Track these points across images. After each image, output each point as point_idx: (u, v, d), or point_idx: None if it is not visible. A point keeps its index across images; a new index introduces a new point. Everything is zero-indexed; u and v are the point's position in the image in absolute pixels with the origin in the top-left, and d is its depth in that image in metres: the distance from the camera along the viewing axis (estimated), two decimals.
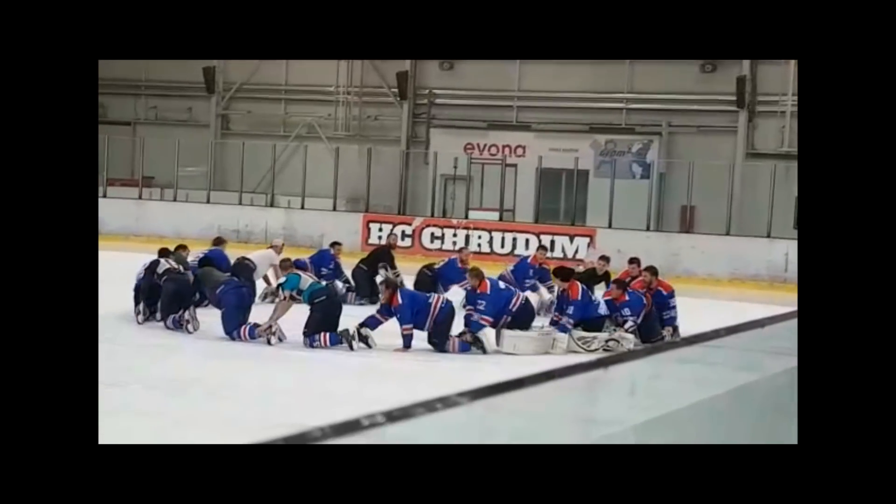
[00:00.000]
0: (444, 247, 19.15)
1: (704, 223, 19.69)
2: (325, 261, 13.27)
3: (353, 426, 1.68)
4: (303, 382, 8.34)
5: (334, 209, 20.66)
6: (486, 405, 1.90)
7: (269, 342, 9.78)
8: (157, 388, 7.62)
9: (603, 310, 10.35)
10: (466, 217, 19.75)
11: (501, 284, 10.56)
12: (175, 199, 21.74)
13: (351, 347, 9.55)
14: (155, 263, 11.12)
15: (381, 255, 13.94)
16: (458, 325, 10.04)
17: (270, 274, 12.42)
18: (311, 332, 9.68)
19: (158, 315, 10.65)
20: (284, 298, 9.99)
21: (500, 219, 19.58)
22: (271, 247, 13.56)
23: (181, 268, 11.06)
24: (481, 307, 9.94)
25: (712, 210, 19.34)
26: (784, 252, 17.45)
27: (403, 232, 19.19)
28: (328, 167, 21.53)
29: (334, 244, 13.88)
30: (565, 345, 9.99)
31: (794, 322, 3.48)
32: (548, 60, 22.12)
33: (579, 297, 10.19)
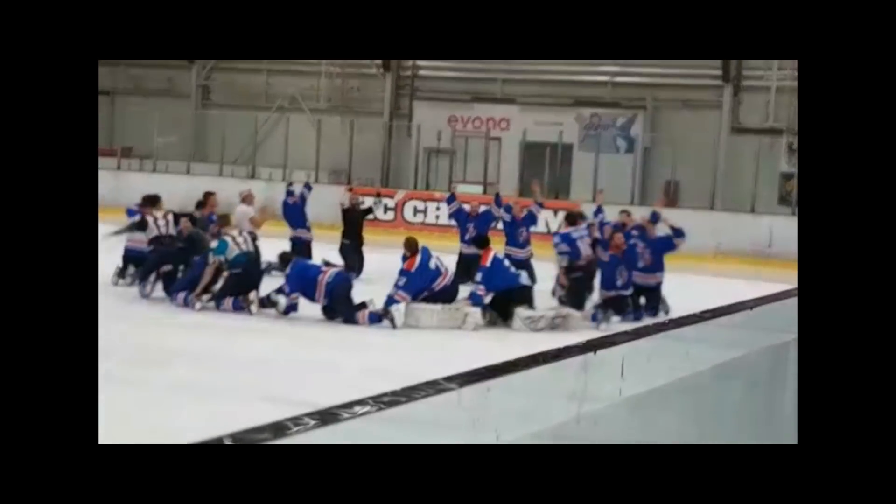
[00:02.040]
0: (427, 220, 19.08)
1: (688, 198, 19.70)
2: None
3: (340, 412, 1.64)
4: (280, 355, 8.29)
5: (316, 181, 20.53)
6: (476, 390, 1.85)
7: (194, 306, 9.97)
8: (142, 360, 7.56)
9: (524, 280, 10.25)
10: (449, 190, 19.68)
11: (433, 264, 10.31)
12: (154, 170, 21.56)
13: (250, 311, 9.72)
14: (143, 224, 11.12)
15: (354, 222, 13.76)
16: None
17: (245, 226, 11.95)
18: (219, 297, 9.98)
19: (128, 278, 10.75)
20: (215, 264, 10.15)
21: (484, 192, 19.51)
22: (242, 200, 13.18)
23: (171, 230, 11.02)
24: (401, 283, 9.86)
25: (696, 185, 19.35)
26: (768, 227, 17.49)
27: (386, 205, 19.10)
28: (310, 139, 21.40)
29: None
30: (478, 320, 9.73)
31: (779, 304, 3.48)
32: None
33: (488, 264, 10.09)
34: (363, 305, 9.68)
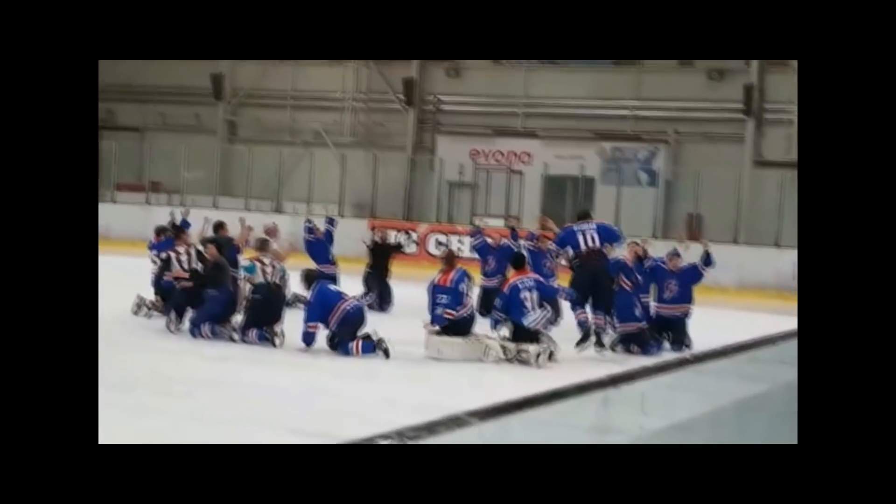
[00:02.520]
0: None
1: (711, 231, 19.65)
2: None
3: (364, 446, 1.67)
4: (299, 386, 8.33)
5: (340, 215, 20.67)
6: (498, 425, 1.88)
7: (232, 339, 10.05)
8: (168, 391, 7.62)
9: (531, 319, 9.68)
10: (472, 224, 19.73)
11: (463, 288, 10.20)
12: (182, 205, 21.76)
13: (273, 344, 9.80)
14: (167, 263, 11.22)
15: (382, 256, 13.67)
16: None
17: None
18: (244, 328, 10.04)
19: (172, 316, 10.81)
20: (246, 280, 10.32)
21: (506, 225, 19.56)
22: (266, 234, 13.21)
23: (194, 262, 11.10)
24: (444, 301, 9.86)
25: (719, 218, 19.30)
26: (791, 261, 17.39)
27: (409, 237, 19.17)
28: (334, 173, 21.57)
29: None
30: (499, 353, 9.55)
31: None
32: (554, 67, 22.16)
33: (506, 291, 9.97)
34: (366, 336, 9.70)
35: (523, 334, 9.72)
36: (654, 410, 2.72)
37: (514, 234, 13.21)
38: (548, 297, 9.93)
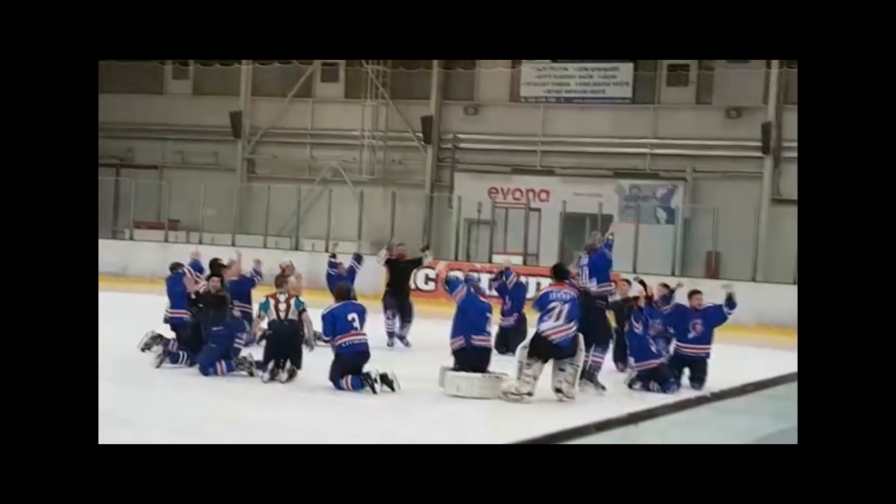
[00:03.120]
0: None
1: (730, 269, 19.58)
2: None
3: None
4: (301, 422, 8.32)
5: (359, 252, 20.71)
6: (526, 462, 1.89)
7: (250, 374, 10.14)
8: (173, 428, 7.63)
9: (545, 326, 9.48)
10: (490, 261, 19.75)
11: (486, 316, 10.25)
12: (200, 242, 21.89)
13: (280, 380, 9.86)
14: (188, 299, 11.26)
15: (400, 274, 13.55)
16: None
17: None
18: (262, 363, 10.14)
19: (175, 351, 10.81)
20: (260, 317, 10.45)
21: (524, 263, 19.56)
22: (282, 272, 13.12)
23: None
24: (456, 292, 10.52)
25: (738, 256, 19.25)
26: None
27: (427, 276, 19.17)
28: (353, 211, 21.68)
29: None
30: (516, 388, 9.41)
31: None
32: (571, 105, 22.27)
33: (540, 294, 10.07)
34: (367, 374, 9.67)
35: (538, 344, 9.52)
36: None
37: (508, 273, 13.13)
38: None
